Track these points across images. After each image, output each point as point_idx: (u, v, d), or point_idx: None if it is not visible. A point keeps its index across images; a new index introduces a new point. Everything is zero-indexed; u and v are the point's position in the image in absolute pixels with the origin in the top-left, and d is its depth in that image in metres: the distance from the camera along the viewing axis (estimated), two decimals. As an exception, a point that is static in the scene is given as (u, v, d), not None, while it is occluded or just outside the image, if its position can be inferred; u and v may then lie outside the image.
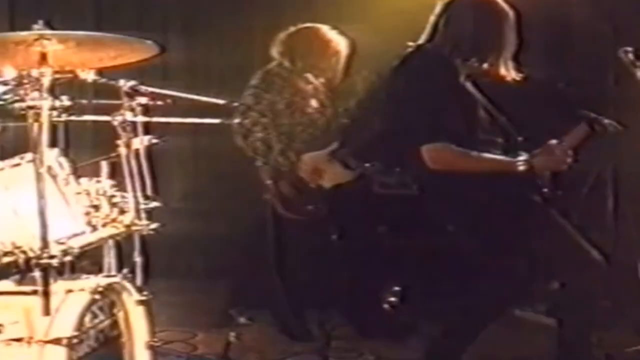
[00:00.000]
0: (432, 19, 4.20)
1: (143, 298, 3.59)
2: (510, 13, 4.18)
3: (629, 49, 4.19)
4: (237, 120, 5.19)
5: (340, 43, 5.39)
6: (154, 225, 3.74)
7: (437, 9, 4.20)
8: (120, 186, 3.76)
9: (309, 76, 5.32)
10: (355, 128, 5.13)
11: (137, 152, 3.81)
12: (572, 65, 5.78)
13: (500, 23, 4.17)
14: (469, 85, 4.13)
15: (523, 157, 4.03)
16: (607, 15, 5.42)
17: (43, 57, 3.38)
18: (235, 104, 5.14)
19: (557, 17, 5.74)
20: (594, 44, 5.56)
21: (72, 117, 3.63)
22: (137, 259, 3.71)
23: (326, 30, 5.39)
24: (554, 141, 4.06)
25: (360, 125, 5.06)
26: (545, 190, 4.07)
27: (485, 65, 4.17)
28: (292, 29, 5.37)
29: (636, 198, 5.38)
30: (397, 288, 4.40)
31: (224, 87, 5.67)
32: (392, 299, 4.65)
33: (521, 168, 4.01)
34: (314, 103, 5.33)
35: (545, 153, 4.05)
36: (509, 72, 4.20)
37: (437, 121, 4.01)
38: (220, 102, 4.62)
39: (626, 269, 4.74)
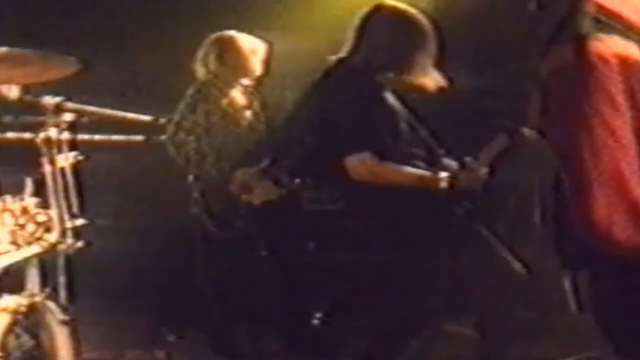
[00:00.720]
0: (351, 32, 4.21)
1: (67, 318, 3.54)
2: (428, 25, 4.20)
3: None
4: (166, 136, 5.13)
5: (257, 46, 5.34)
6: (79, 244, 3.70)
7: (356, 22, 4.21)
8: (45, 204, 3.71)
9: (238, 86, 5.28)
10: (286, 143, 5.11)
11: (62, 169, 3.76)
12: (495, 76, 5.84)
13: (418, 35, 4.18)
14: (390, 98, 4.16)
15: (446, 173, 4.06)
16: (530, 28, 5.47)
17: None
18: (162, 121, 5.09)
19: (480, 30, 5.80)
20: (516, 56, 5.62)
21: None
22: (62, 278, 3.67)
23: (240, 36, 5.34)
24: (468, 158, 4.10)
25: (291, 140, 5.04)
26: (467, 203, 4.10)
27: (404, 77, 4.19)
28: (206, 40, 5.33)
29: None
30: (325, 304, 4.40)
31: (155, 101, 5.61)
32: (321, 315, 4.65)
33: (443, 185, 4.05)
34: (247, 114, 5.30)
35: (464, 170, 4.08)
36: (430, 84, 4.22)
37: (359, 133, 4.03)
38: (147, 118, 4.59)
39: (553, 280, 4.78)
